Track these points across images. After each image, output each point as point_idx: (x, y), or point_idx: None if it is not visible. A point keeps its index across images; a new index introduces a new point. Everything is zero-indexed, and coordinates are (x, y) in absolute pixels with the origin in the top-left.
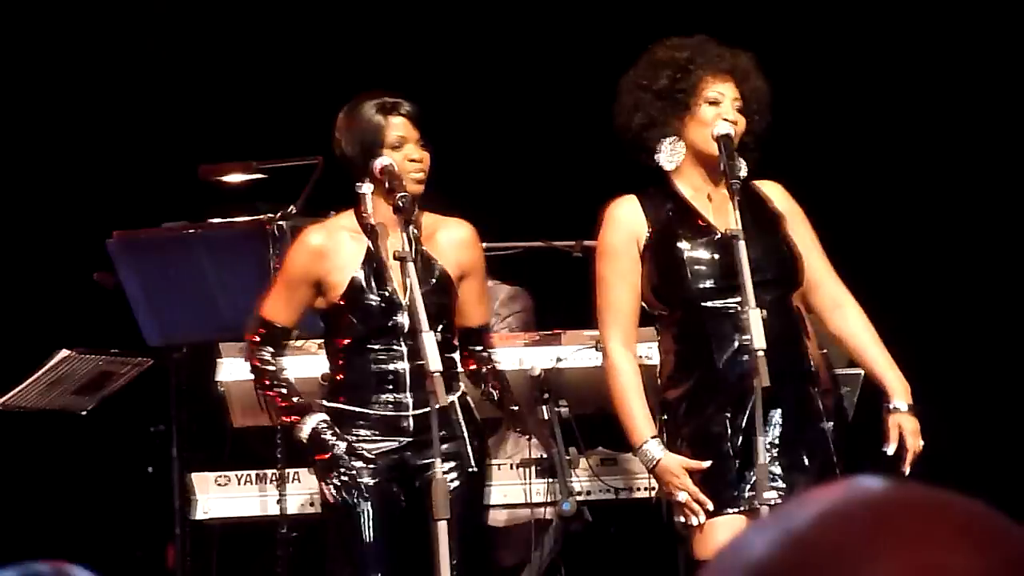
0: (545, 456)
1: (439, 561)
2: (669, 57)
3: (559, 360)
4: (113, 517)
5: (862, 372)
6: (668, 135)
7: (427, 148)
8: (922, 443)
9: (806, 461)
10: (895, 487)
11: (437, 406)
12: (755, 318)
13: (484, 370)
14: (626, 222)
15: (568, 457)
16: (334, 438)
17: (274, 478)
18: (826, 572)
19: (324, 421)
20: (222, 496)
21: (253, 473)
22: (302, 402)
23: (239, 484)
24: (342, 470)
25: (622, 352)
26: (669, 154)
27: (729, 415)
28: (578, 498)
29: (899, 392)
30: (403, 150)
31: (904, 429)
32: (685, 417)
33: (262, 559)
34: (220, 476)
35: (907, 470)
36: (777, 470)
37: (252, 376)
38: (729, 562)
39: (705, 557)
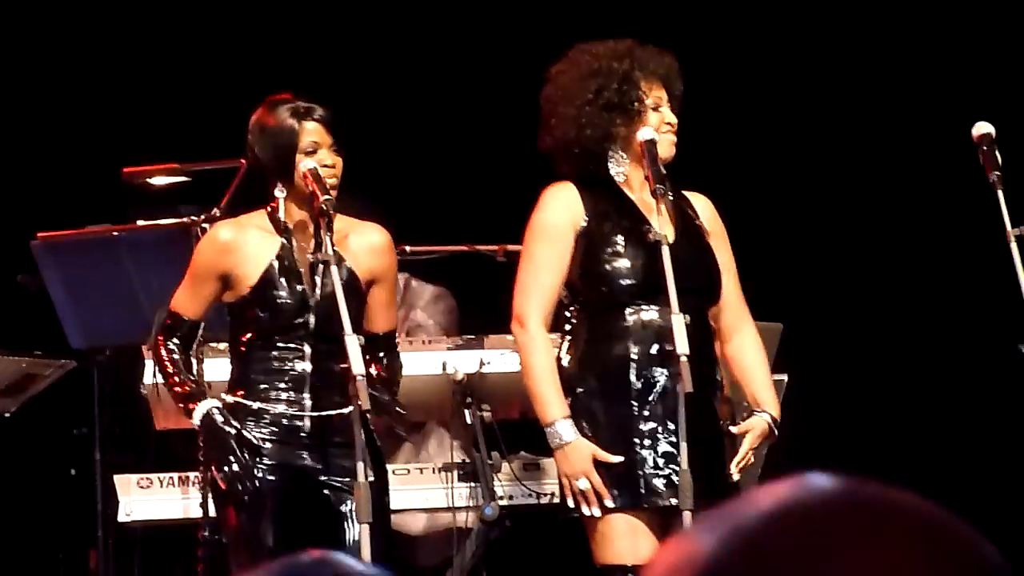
0: (467, 460)
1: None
2: (608, 67)
3: (482, 364)
4: (35, 520)
5: (784, 377)
6: (616, 144)
7: (340, 153)
8: (753, 460)
9: (705, 466)
10: (847, 485)
11: (363, 408)
12: (678, 323)
13: (379, 380)
14: (566, 206)
15: (490, 462)
16: (226, 425)
17: (197, 480)
18: (780, 572)
19: (217, 407)
20: (145, 498)
21: (176, 475)
22: (197, 389)
23: (162, 486)
24: (231, 459)
25: (539, 329)
26: (618, 165)
27: (644, 412)
28: (500, 503)
29: (771, 406)
30: (316, 155)
31: (754, 428)
32: (589, 410)
33: (185, 561)
34: (143, 478)
35: (734, 470)
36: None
37: (155, 366)
38: (677, 563)
39: (611, 561)
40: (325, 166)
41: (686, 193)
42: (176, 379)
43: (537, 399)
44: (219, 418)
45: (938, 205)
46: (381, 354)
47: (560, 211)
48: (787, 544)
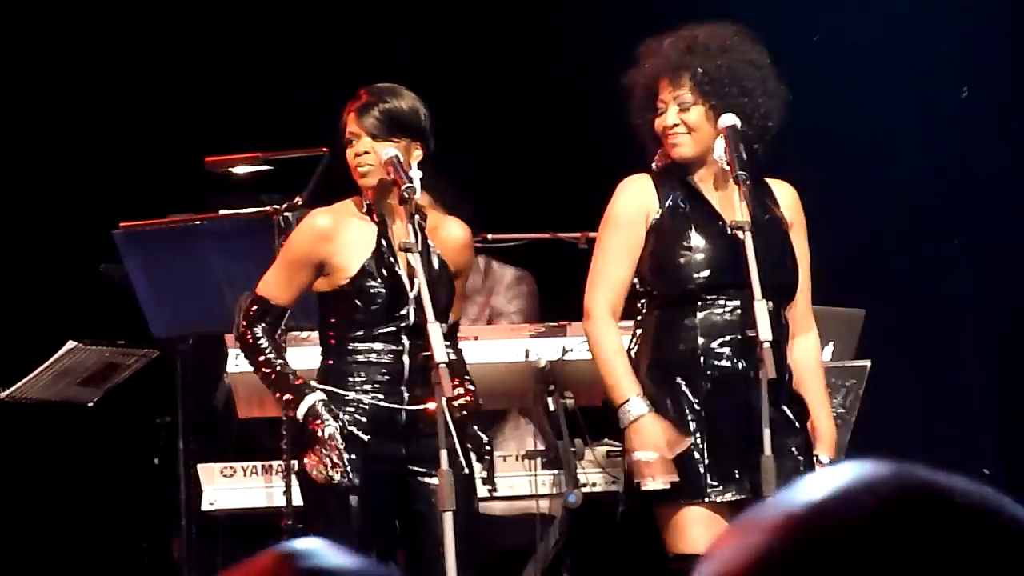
0: (548, 448)
1: (447, 552)
2: (640, 67)
3: (565, 352)
4: (119, 509)
5: (868, 364)
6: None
7: (388, 141)
8: None
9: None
10: (899, 471)
11: (444, 398)
12: (761, 310)
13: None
14: (639, 197)
15: (574, 449)
16: (330, 416)
17: (280, 469)
18: (832, 559)
19: (323, 401)
20: (228, 487)
21: (259, 464)
22: (296, 378)
23: (245, 475)
24: (335, 452)
25: (607, 317)
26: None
27: (708, 405)
28: (583, 490)
29: (825, 443)
30: (353, 147)
31: None
32: (655, 400)
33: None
34: (226, 467)
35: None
36: (742, 464)
37: (243, 353)
38: (733, 550)
39: (680, 551)
40: (357, 154)
41: (769, 181)
42: (270, 368)
43: (608, 381)
44: (324, 412)
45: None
46: (447, 343)
47: (632, 202)
48: (840, 531)
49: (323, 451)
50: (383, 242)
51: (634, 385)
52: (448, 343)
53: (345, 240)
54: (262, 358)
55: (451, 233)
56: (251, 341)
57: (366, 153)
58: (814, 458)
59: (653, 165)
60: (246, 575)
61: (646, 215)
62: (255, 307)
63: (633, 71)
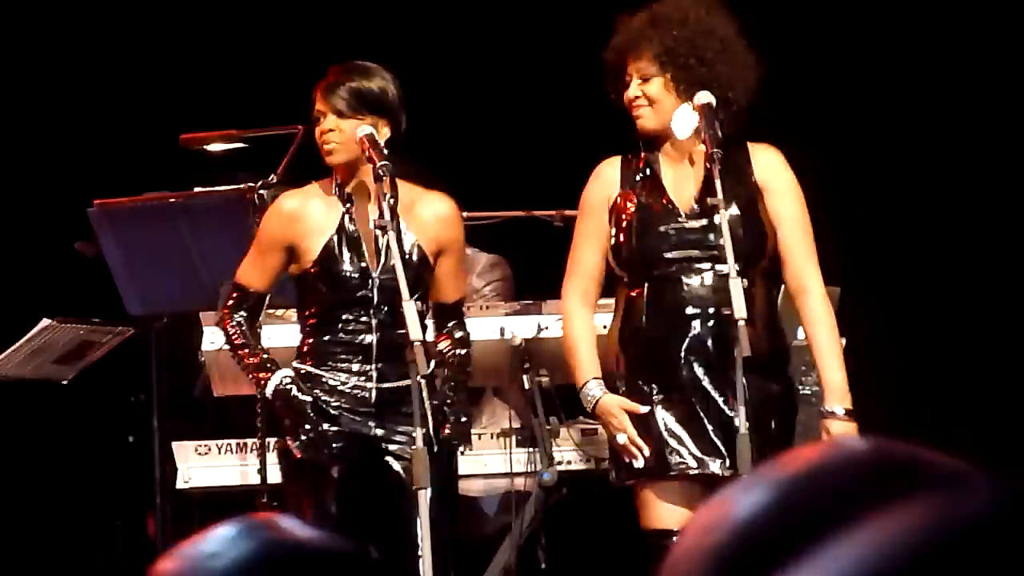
0: (525, 426)
1: (421, 531)
2: (609, 46)
3: (540, 329)
4: (94, 486)
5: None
6: None
7: (351, 117)
8: None
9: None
10: (878, 445)
11: (419, 376)
12: (736, 288)
13: (449, 359)
14: (602, 182)
15: (549, 427)
16: (300, 394)
17: (255, 447)
18: (811, 531)
19: (289, 377)
20: (203, 465)
21: (234, 442)
22: (269, 359)
23: (220, 453)
24: (307, 427)
25: (576, 304)
26: (681, 121)
27: (667, 383)
28: (558, 468)
29: (836, 394)
30: (319, 124)
31: (830, 434)
32: (626, 382)
33: None
34: (201, 445)
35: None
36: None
37: (223, 338)
38: (711, 524)
39: (653, 526)
40: (323, 132)
41: (751, 145)
42: (245, 351)
43: (570, 366)
44: (293, 388)
45: (1000, 165)
46: (454, 326)
47: (597, 188)
48: (818, 505)
49: (299, 431)
50: (347, 222)
51: (592, 369)
52: (454, 323)
53: (311, 222)
54: (239, 342)
55: (434, 209)
56: (229, 328)
57: (331, 131)
58: (824, 411)
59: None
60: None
61: (607, 199)
62: (234, 294)
63: (606, 47)
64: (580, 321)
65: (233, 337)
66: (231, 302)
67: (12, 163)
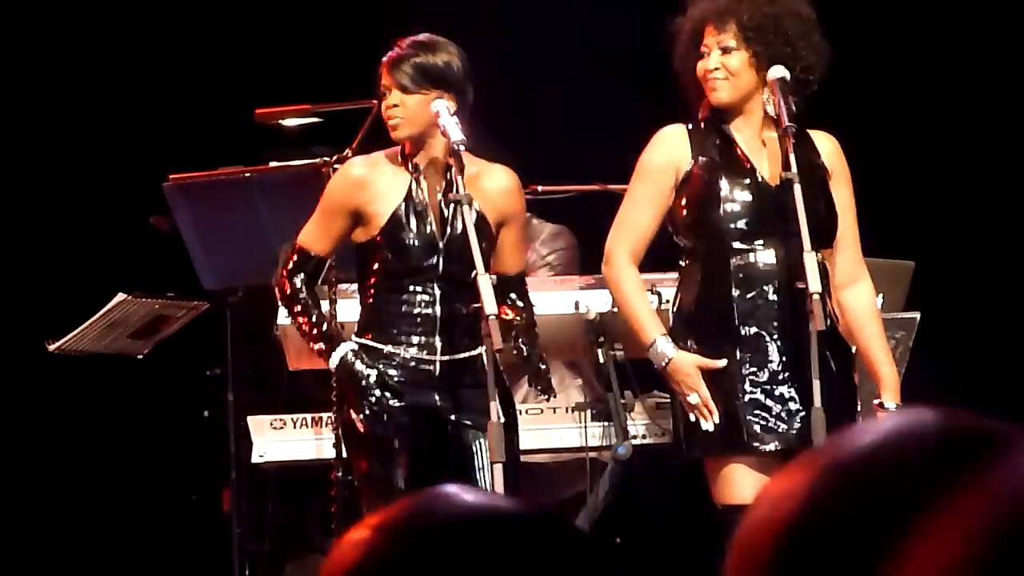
0: (597, 399)
1: None
2: (687, 13)
3: (614, 303)
4: (169, 461)
5: (917, 316)
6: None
7: (421, 93)
8: None
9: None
10: (947, 418)
11: (495, 348)
12: (810, 261)
13: (516, 323)
14: (670, 148)
15: (624, 401)
16: (364, 367)
17: (329, 421)
18: (878, 507)
19: (353, 350)
20: (277, 440)
21: (308, 416)
22: (331, 329)
23: (294, 427)
24: (372, 400)
25: (626, 262)
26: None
27: (747, 356)
28: (633, 442)
29: (889, 388)
30: (385, 99)
31: None
32: (701, 352)
33: (318, 502)
34: (276, 419)
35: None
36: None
37: (280, 302)
38: (778, 499)
39: (726, 502)
40: (388, 107)
41: (811, 132)
42: (306, 317)
43: (633, 325)
44: (358, 363)
45: None
46: (513, 295)
47: (662, 153)
48: (886, 480)
49: (363, 404)
50: (415, 192)
51: (658, 326)
52: (516, 295)
53: (378, 189)
54: (298, 307)
55: (497, 181)
56: (288, 291)
57: (395, 106)
58: (879, 404)
59: (699, 115)
60: (385, 522)
61: (676, 168)
62: (294, 257)
63: (679, 17)
64: (635, 279)
65: (291, 300)
66: (290, 265)
67: (88, 138)
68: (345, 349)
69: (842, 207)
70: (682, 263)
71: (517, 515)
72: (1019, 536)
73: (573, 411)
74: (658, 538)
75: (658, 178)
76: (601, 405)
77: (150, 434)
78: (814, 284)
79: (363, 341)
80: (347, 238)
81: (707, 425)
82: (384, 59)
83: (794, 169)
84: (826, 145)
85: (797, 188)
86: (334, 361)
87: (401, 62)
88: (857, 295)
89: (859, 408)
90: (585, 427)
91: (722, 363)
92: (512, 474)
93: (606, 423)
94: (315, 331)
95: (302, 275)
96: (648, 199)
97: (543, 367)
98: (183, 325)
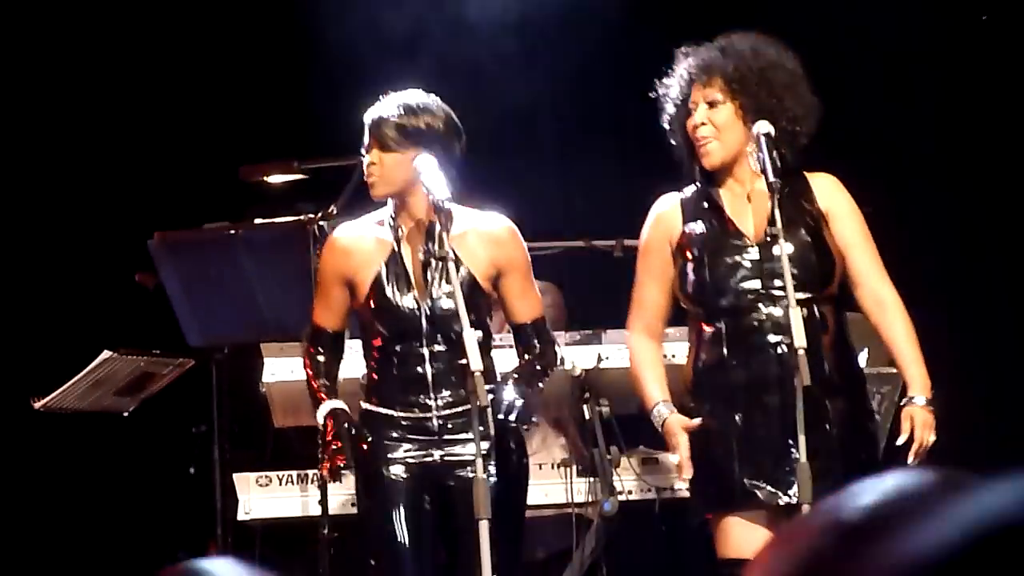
0: (584, 456)
1: (482, 560)
2: (674, 71)
3: (600, 359)
4: (155, 518)
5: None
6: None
7: (399, 152)
8: (933, 437)
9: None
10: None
11: (479, 404)
12: (795, 317)
13: (523, 364)
14: (662, 220)
15: (609, 456)
16: (346, 422)
17: (316, 478)
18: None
19: (341, 409)
20: (264, 496)
21: (295, 473)
22: (326, 389)
23: (281, 484)
24: (342, 444)
25: (640, 338)
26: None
27: (739, 414)
28: (619, 498)
29: (917, 385)
30: (366, 156)
31: (915, 421)
32: (702, 413)
33: (304, 559)
34: (262, 476)
35: (913, 462)
36: (781, 469)
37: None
38: (779, 555)
39: (728, 555)
40: (368, 165)
41: (808, 176)
42: (312, 385)
43: (639, 394)
44: (341, 417)
45: None
46: (535, 343)
47: (656, 227)
48: (889, 539)
49: (329, 447)
50: (397, 253)
51: (660, 392)
52: (537, 342)
53: (363, 255)
54: (308, 379)
55: (490, 230)
56: (307, 361)
57: (373, 164)
58: (909, 398)
59: (695, 175)
60: None
61: (669, 240)
62: (310, 334)
63: (667, 77)
64: (645, 350)
65: (307, 376)
66: (309, 341)
67: (74, 195)
68: (329, 407)
69: (848, 243)
70: (688, 327)
71: None
72: None
73: (559, 467)
74: None
75: (656, 254)
76: (587, 461)
77: (136, 491)
78: (799, 339)
79: (367, 407)
80: (351, 306)
81: (680, 484)
82: (367, 116)
83: (779, 225)
84: (824, 185)
85: (783, 244)
86: (323, 411)
87: (382, 122)
88: (885, 316)
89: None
90: (571, 483)
91: (696, 422)
92: (513, 527)
93: (592, 479)
94: (314, 396)
95: (316, 350)
96: (651, 275)
97: (520, 401)
98: (169, 382)
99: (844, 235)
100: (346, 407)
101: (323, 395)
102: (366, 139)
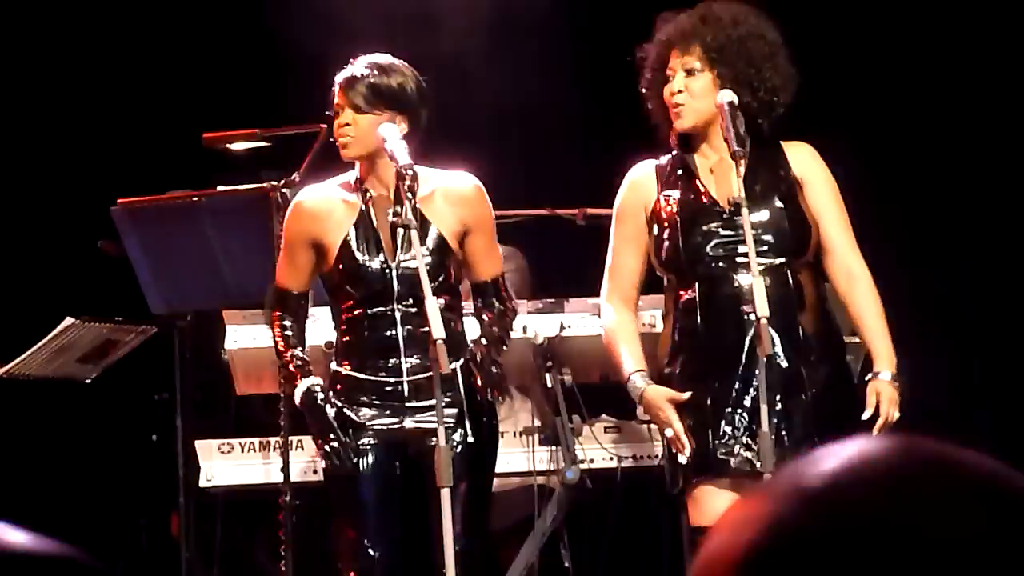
0: (547, 424)
1: (444, 528)
2: (653, 37)
3: (563, 328)
4: (117, 485)
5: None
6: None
7: (366, 112)
8: (897, 413)
9: (783, 432)
10: (910, 444)
11: (442, 371)
12: (758, 286)
13: (485, 331)
14: (637, 187)
15: (572, 425)
16: (325, 404)
17: (277, 445)
18: (844, 532)
19: (318, 385)
20: (226, 464)
21: (256, 441)
22: (300, 367)
23: (243, 452)
24: (331, 437)
25: (616, 305)
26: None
27: (714, 383)
28: (581, 466)
29: (884, 360)
30: (337, 118)
31: (881, 396)
32: (678, 382)
33: (266, 526)
34: (224, 444)
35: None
36: (752, 437)
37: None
38: (741, 523)
39: (701, 523)
40: (339, 127)
41: (785, 144)
42: (284, 357)
43: (614, 362)
44: (319, 396)
45: None
46: (493, 300)
47: (631, 194)
48: (850, 505)
49: (329, 439)
50: (366, 217)
51: (635, 362)
52: (495, 300)
53: (330, 218)
54: (280, 347)
55: (456, 190)
56: (275, 331)
57: (347, 125)
58: (874, 374)
59: (672, 142)
60: None
61: (644, 206)
62: (273, 296)
63: (646, 43)
64: (619, 319)
65: (276, 342)
66: (272, 304)
67: (35, 162)
68: (308, 383)
69: (822, 212)
70: (664, 295)
71: (31, 556)
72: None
73: (521, 435)
74: (606, 563)
75: (631, 219)
76: (549, 430)
77: (98, 458)
78: (761, 309)
79: (339, 369)
80: (317, 269)
81: (682, 458)
82: (339, 77)
83: (741, 193)
84: (800, 154)
85: (745, 212)
86: (297, 395)
87: (355, 82)
88: (854, 290)
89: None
90: (533, 452)
91: (686, 395)
92: (473, 494)
93: (554, 448)
94: (286, 370)
95: (280, 313)
96: (626, 241)
97: (495, 370)
98: (131, 349)
99: (817, 204)
100: (320, 381)
101: (298, 373)
102: (339, 99)
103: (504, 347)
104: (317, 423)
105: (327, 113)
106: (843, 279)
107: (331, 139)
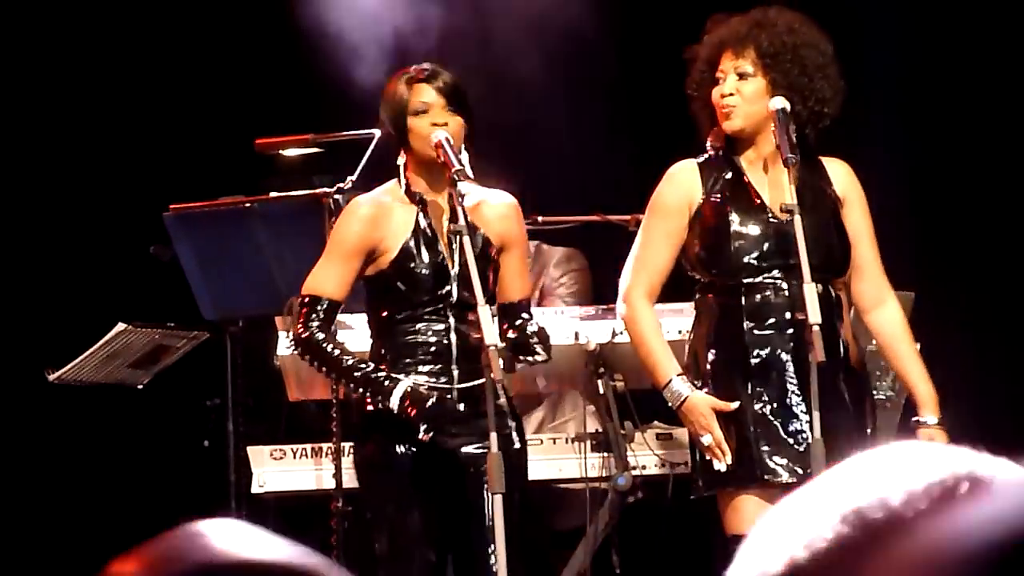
0: (600, 430)
1: (496, 534)
2: (705, 39)
3: (615, 334)
4: (169, 491)
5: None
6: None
7: (458, 114)
8: None
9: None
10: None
11: (495, 378)
12: (810, 293)
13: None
14: (683, 184)
15: (623, 432)
16: (423, 400)
17: (329, 451)
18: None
19: (415, 385)
20: (278, 470)
21: (308, 447)
22: (378, 372)
23: (295, 458)
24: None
25: (643, 302)
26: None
27: (757, 389)
28: (633, 473)
29: (928, 405)
30: (428, 115)
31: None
32: (713, 386)
33: (318, 532)
34: (275, 450)
35: None
36: (800, 449)
37: (308, 356)
38: (777, 534)
39: (736, 532)
40: (435, 124)
41: (823, 159)
42: (342, 365)
43: (649, 365)
44: (423, 387)
45: None
46: (519, 322)
47: (676, 190)
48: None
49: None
50: (423, 223)
51: (673, 366)
52: (526, 318)
53: (389, 224)
54: (333, 356)
55: (496, 207)
56: (314, 344)
57: (445, 124)
58: (917, 421)
59: (708, 145)
60: (148, 555)
61: (689, 204)
62: (308, 307)
63: (697, 44)
64: (648, 316)
65: (320, 352)
66: (308, 317)
67: (89, 168)
68: (408, 383)
69: (858, 233)
70: (697, 297)
71: (272, 566)
72: None
73: (573, 442)
74: (657, 570)
75: (672, 215)
76: (601, 436)
77: (150, 464)
78: (813, 315)
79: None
80: (359, 277)
81: (720, 465)
82: (409, 78)
83: (794, 200)
84: (839, 171)
85: (797, 219)
86: (395, 400)
87: (436, 79)
88: (884, 317)
89: (870, 433)
90: (585, 458)
91: (734, 405)
92: (520, 500)
93: (606, 454)
94: (359, 376)
95: (318, 323)
96: (663, 236)
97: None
98: (183, 355)
99: (855, 225)
100: (412, 383)
101: (386, 380)
102: (427, 96)
103: (542, 355)
104: (421, 411)
105: (414, 110)
106: (871, 301)
107: (385, 149)
